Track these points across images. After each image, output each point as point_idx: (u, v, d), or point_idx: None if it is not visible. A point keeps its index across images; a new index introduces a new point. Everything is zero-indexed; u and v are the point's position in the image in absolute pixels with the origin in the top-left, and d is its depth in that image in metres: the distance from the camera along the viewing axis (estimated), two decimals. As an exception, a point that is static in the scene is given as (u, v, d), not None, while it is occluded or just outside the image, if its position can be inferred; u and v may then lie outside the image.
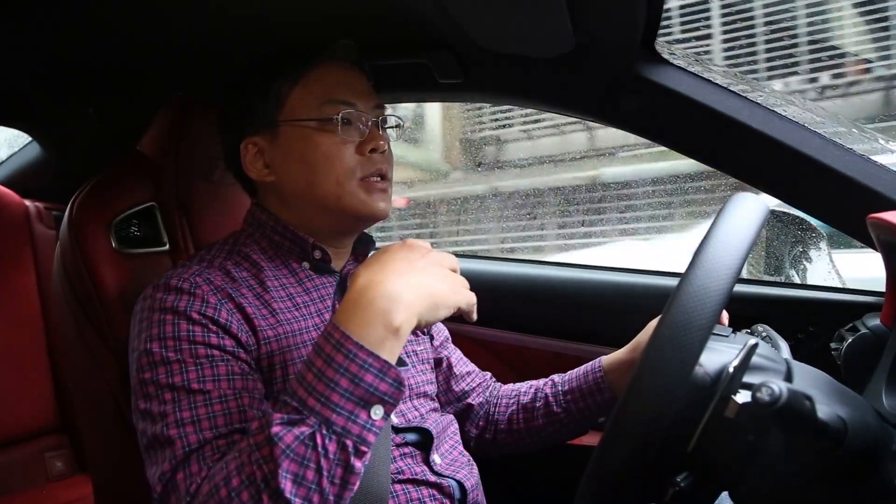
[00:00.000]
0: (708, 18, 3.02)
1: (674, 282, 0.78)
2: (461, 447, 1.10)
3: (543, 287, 1.57)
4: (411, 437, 1.01)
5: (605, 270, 1.58)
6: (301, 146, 0.99)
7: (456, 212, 3.21)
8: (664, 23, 1.10)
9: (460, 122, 3.42)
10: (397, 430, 1.00)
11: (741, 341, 0.72)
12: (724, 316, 1.04)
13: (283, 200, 1.02)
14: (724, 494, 0.77)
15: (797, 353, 0.81)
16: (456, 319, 0.83)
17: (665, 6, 1.07)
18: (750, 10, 3.00)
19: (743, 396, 0.63)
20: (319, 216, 1.01)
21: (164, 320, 0.87)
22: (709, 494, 0.74)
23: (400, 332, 0.73)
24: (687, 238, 2.70)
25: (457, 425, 1.14)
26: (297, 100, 1.00)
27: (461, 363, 1.25)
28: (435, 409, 1.10)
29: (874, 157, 1.06)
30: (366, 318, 0.73)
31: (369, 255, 1.10)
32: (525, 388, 1.22)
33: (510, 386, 1.25)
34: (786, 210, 1.29)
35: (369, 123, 1.01)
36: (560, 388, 1.16)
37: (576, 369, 1.17)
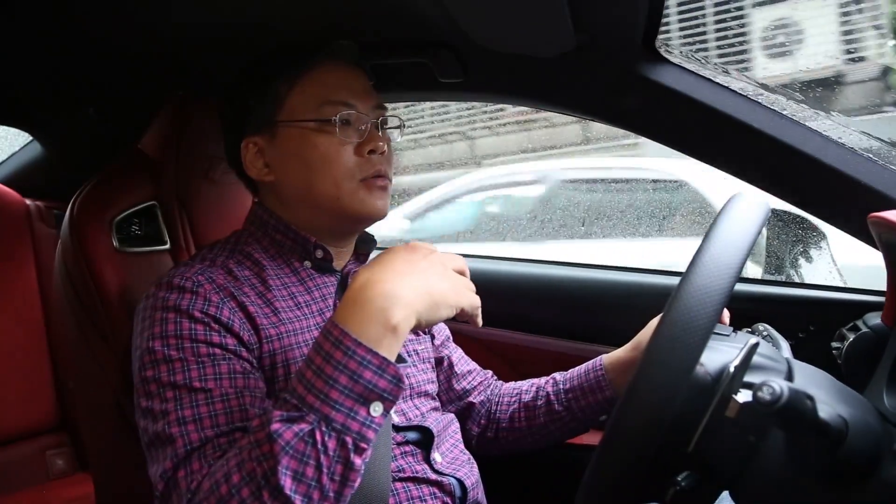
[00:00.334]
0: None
1: (675, 281, 0.78)
2: (462, 446, 1.11)
3: (544, 286, 1.57)
4: (412, 435, 1.01)
5: (606, 269, 1.58)
6: (299, 147, 0.98)
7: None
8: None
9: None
10: (398, 428, 1.00)
11: (742, 340, 0.72)
12: (725, 314, 1.04)
13: (282, 200, 1.02)
14: (725, 494, 0.77)
15: (798, 353, 0.81)
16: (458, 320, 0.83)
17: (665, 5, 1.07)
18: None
19: (744, 396, 0.63)
20: (318, 216, 1.01)
21: (166, 319, 0.87)
22: (709, 494, 0.74)
23: (398, 330, 0.73)
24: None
25: (457, 424, 1.14)
26: (295, 100, 0.99)
27: (462, 362, 1.25)
28: (436, 408, 1.10)
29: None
30: (364, 315, 0.73)
31: (371, 254, 1.11)
32: (526, 387, 1.22)
33: (511, 384, 1.25)
34: (786, 209, 1.29)
35: (368, 124, 1.00)
36: (561, 386, 1.17)
37: (577, 367, 1.18)
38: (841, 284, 1.31)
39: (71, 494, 1.60)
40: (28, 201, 1.73)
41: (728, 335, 0.77)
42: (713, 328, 0.60)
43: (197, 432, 0.80)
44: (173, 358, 0.84)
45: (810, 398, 0.57)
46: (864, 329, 0.99)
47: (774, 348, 0.78)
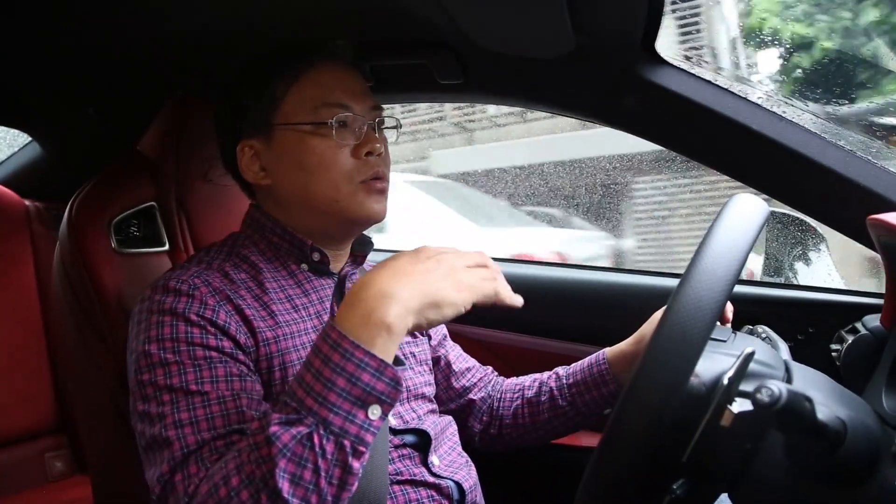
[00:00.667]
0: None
1: (674, 283, 0.77)
2: (460, 448, 1.10)
3: (544, 288, 1.57)
4: (409, 438, 1.01)
5: (606, 271, 1.58)
6: (296, 150, 0.98)
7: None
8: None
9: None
10: (395, 431, 1.00)
11: (739, 347, 0.71)
12: (729, 308, 1.04)
13: (279, 203, 1.02)
14: (724, 496, 0.77)
15: (797, 355, 0.81)
16: (462, 320, 0.81)
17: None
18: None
19: (738, 406, 0.63)
20: (316, 219, 1.00)
21: (162, 322, 0.87)
22: (705, 500, 0.74)
23: (393, 330, 0.73)
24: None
25: (455, 427, 1.14)
26: (291, 102, 0.98)
27: (460, 360, 1.25)
28: (433, 411, 1.10)
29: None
30: (358, 315, 0.73)
31: (368, 256, 1.11)
32: (529, 382, 1.21)
33: (513, 380, 1.25)
34: (785, 211, 1.29)
35: (365, 126, 0.99)
36: (564, 381, 1.16)
37: (579, 362, 1.17)
38: (840, 287, 1.31)
39: (69, 497, 1.60)
40: (27, 202, 1.72)
41: (726, 340, 0.76)
42: (712, 330, 0.60)
43: (193, 435, 0.80)
44: (169, 361, 0.84)
45: (809, 400, 0.57)
46: (863, 331, 0.99)
47: (773, 351, 0.78)
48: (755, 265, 1.46)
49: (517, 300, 0.83)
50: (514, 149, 4.66)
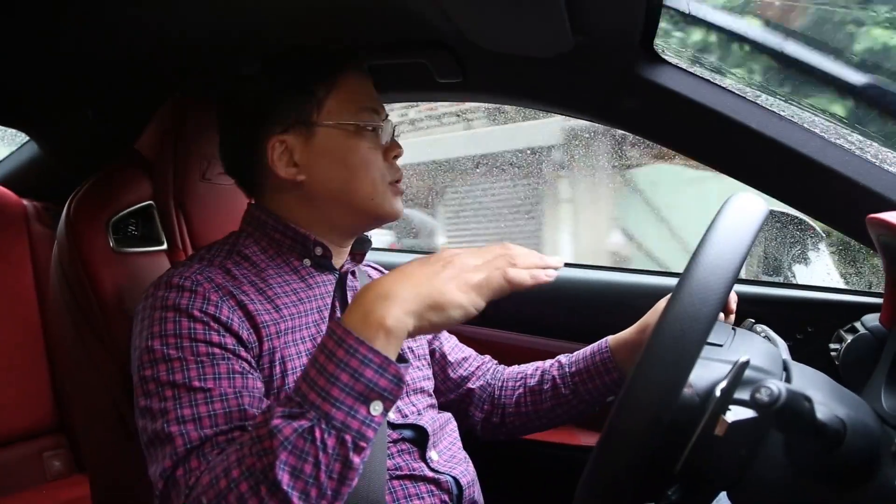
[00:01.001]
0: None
1: (673, 282, 0.77)
2: (459, 444, 1.11)
3: (544, 287, 1.57)
4: (408, 433, 1.02)
5: (607, 270, 1.58)
6: (341, 149, 1.00)
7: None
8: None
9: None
10: (394, 426, 1.00)
11: (735, 352, 0.71)
12: (733, 298, 1.04)
13: (305, 199, 1.02)
14: (722, 494, 0.76)
15: (796, 354, 0.80)
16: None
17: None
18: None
19: (733, 415, 0.62)
20: (345, 215, 1.03)
21: (165, 318, 0.87)
22: (704, 501, 0.74)
23: (391, 331, 0.73)
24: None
25: (455, 423, 1.14)
26: (334, 103, 1.01)
27: (455, 350, 1.25)
28: (432, 406, 1.11)
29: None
30: (358, 316, 0.74)
31: (366, 254, 1.12)
32: (531, 371, 1.22)
33: (515, 368, 1.26)
34: (784, 210, 1.29)
35: (390, 132, 1.05)
36: (567, 369, 1.17)
37: (582, 350, 1.18)
38: (839, 286, 1.31)
39: (68, 496, 1.60)
40: (25, 201, 1.73)
41: (722, 345, 0.76)
42: (710, 330, 0.60)
43: (196, 431, 0.80)
44: (172, 357, 0.84)
45: (808, 399, 0.57)
46: (862, 330, 0.99)
47: (773, 348, 0.78)
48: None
49: (540, 276, 0.82)
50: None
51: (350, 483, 0.73)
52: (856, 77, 1.21)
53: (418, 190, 3.08)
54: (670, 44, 1.18)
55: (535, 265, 0.82)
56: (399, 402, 1.03)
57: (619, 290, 1.50)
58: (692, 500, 0.68)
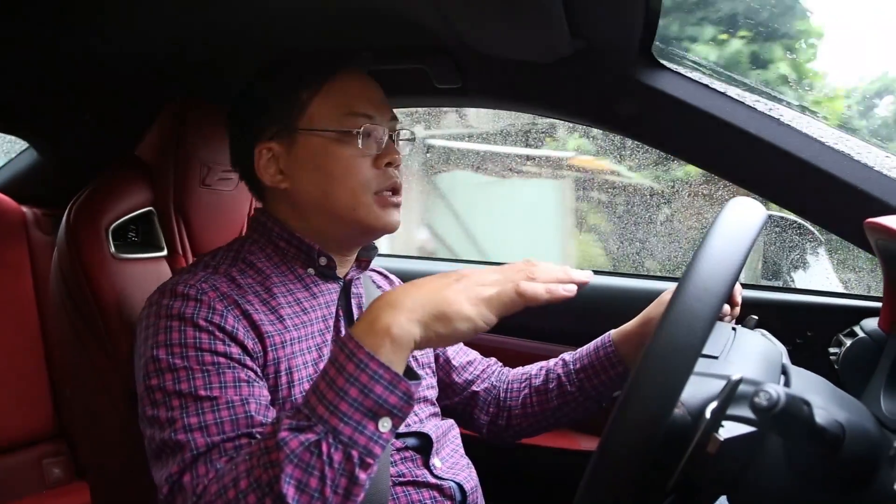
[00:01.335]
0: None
1: (674, 286, 0.77)
2: (462, 451, 1.11)
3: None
4: (411, 441, 1.01)
5: (608, 275, 1.58)
6: (320, 156, 0.98)
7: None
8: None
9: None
10: (397, 434, 0.99)
11: (729, 366, 0.70)
12: (738, 290, 1.03)
13: (294, 208, 1.02)
14: (723, 497, 0.76)
15: (795, 358, 0.81)
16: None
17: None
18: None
19: (726, 431, 0.62)
20: (330, 226, 1.00)
21: (170, 327, 0.87)
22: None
23: (396, 339, 0.72)
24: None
25: (457, 430, 1.14)
26: (317, 109, 0.99)
27: (459, 355, 1.25)
28: (435, 414, 1.10)
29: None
30: (365, 323, 0.73)
31: (372, 262, 1.11)
32: (535, 371, 1.21)
33: (519, 369, 1.25)
34: (783, 215, 1.29)
35: (385, 137, 1.00)
36: (571, 366, 1.16)
37: (585, 346, 1.17)
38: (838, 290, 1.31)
39: (68, 503, 1.59)
40: (24, 208, 1.72)
41: (717, 357, 0.75)
42: (708, 336, 0.60)
43: (203, 438, 0.80)
44: (178, 366, 0.84)
45: (807, 403, 0.57)
46: (861, 335, 0.99)
47: (773, 347, 0.78)
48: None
49: (557, 291, 0.77)
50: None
51: (355, 499, 0.72)
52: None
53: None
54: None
55: (556, 279, 0.78)
56: None
57: (627, 296, 1.49)
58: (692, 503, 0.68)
